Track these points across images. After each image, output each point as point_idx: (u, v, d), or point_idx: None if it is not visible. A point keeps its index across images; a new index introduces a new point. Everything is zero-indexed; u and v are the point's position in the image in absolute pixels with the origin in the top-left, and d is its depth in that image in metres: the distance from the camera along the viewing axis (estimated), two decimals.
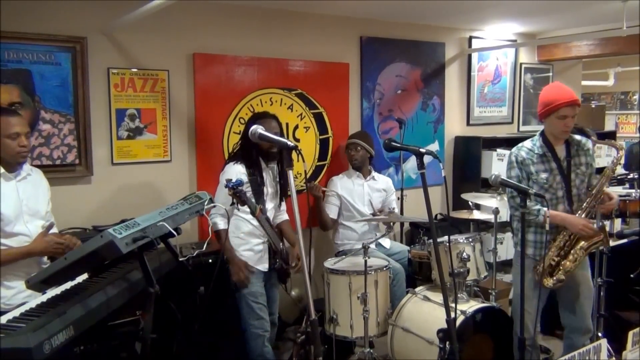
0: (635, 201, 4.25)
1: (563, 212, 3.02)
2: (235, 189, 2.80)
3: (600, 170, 3.12)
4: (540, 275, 3.00)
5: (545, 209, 2.91)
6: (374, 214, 4.06)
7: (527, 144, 3.11)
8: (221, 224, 3.15)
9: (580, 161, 3.06)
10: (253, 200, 3.02)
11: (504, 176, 3.13)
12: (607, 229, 4.22)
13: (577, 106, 2.95)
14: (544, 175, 3.01)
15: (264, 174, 3.25)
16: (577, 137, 3.10)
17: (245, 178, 3.13)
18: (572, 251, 3.00)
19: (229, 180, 2.83)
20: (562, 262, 3.02)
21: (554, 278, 3.02)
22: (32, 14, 3.35)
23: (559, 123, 2.96)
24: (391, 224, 3.92)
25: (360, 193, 4.18)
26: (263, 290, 3.28)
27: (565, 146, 3.06)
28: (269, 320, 3.28)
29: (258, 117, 3.28)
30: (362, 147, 4.18)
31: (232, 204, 2.88)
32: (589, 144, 3.11)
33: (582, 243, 2.99)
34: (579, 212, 3.00)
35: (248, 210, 2.94)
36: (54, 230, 2.81)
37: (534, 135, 3.15)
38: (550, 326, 4.02)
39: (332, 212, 4.18)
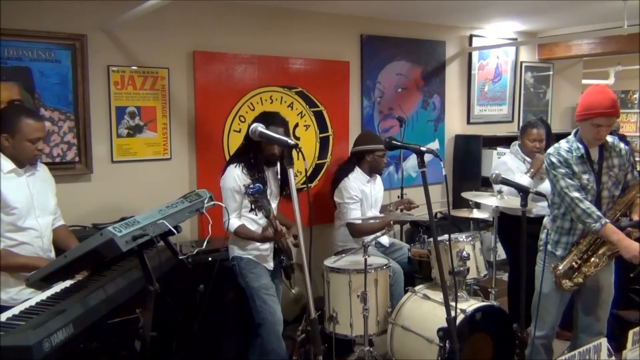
0: None
1: None
2: (255, 195, 2.79)
3: None
4: (559, 277, 2.99)
5: (606, 219, 2.83)
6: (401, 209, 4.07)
7: (564, 145, 3.00)
8: (238, 222, 3.16)
9: (613, 163, 2.98)
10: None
11: (504, 175, 3.12)
12: None
13: (614, 117, 2.87)
14: (585, 177, 2.94)
15: (267, 174, 3.24)
16: (609, 138, 3.00)
17: (246, 180, 3.12)
18: (594, 256, 2.97)
19: (247, 186, 2.81)
20: (583, 266, 2.99)
21: (573, 281, 2.99)
22: (31, 11, 3.34)
23: (592, 130, 2.89)
24: (391, 222, 3.91)
25: (368, 195, 4.15)
26: (273, 284, 3.29)
27: (598, 148, 2.98)
28: (282, 314, 3.27)
29: (267, 118, 3.14)
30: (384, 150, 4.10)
31: (251, 210, 2.87)
32: (622, 144, 3.03)
33: (604, 249, 2.96)
34: (606, 217, 2.94)
35: (258, 211, 2.93)
36: (61, 222, 2.85)
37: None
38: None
39: (358, 215, 3.99)
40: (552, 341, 3.21)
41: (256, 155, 3.18)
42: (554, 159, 2.97)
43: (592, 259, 2.97)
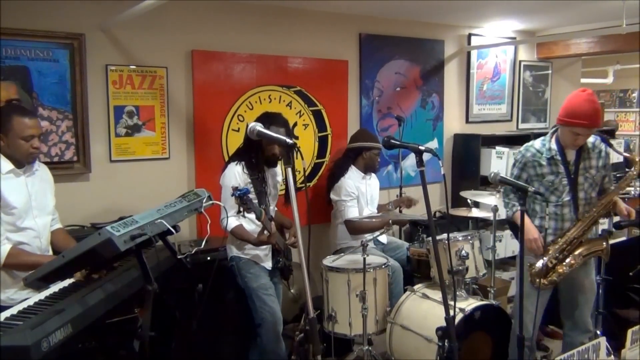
0: (635, 199, 4.24)
1: (568, 215, 3.01)
2: (242, 198, 2.78)
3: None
4: (533, 275, 3.02)
5: (519, 207, 2.92)
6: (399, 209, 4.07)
7: (537, 144, 3.06)
8: (236, 222, 3.13)
9: (591, 164, 3.00)
10: (258, 205, 3.01)
11: (503, 174, 3.13)
12: (606, 226, 4.21)
13: (594, 128, 2.88)
14: (549, 178, 2.99)
15: (267, 174, 3.24)
16: (591, 138, 3.01)
17: (246, 179, 3.12)
18: (570, 256, 3.00)
19: (235, 189, 2.81)
20: (558, 266, 3.01)
21: (547, 279, 3.02)
22: (30, 10, 3.33)
23: (570, 137, 2.91)
24: (389, 221, 3.91)
25: (364, 192, 4.15)
26: (272, 284, 3.29)
27: (576, 149, 3.00)
28: (281, 314, 3.26)
29: (268, 118, 3.15)
30: (380, 150, 4.15)
31: (239, 211, 2.86)
32: (602, 145, 3.03)
33: (581, 249, 3.00)
34: (584, 218, 2.98)
35: (253, 215, 2.93)
36: (59, 225, 2.84)
37: (544, 132, 3.12)
38: (551, 323, 4.03)
39: (356, 213, 4.02)
40: (533, 341, 3.21)
41: (257, 155, 3.17)
42: (517, 157, 3.14)
43: (568, 259, 3.00)
